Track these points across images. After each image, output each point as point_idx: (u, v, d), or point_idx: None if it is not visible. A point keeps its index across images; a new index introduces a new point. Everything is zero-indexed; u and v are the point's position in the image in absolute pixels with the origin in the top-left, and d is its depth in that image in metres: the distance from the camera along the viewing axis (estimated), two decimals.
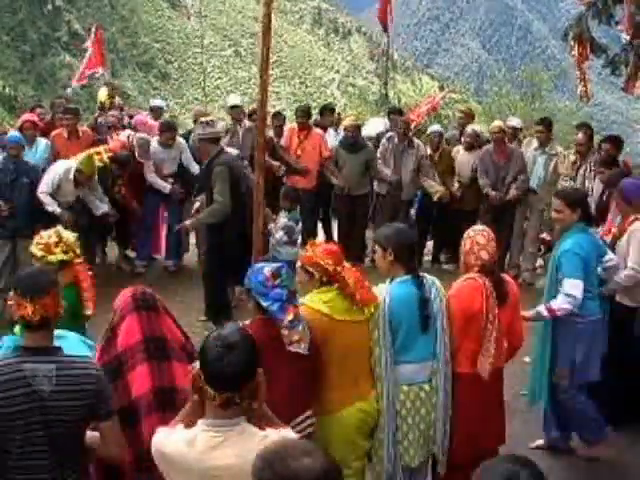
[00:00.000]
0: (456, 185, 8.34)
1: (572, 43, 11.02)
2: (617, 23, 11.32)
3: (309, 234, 8.88)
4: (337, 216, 8.99)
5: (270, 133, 8.41)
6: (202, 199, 6.70)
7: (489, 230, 4.09)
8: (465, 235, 4.03)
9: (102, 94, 9.63)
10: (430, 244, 9.11)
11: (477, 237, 3.97)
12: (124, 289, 3.08)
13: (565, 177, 7.66)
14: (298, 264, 3.70)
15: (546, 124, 8.10)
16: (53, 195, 7.05)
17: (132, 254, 8.53)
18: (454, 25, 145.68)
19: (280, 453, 1.80)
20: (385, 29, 13.87)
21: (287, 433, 2.44)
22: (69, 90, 14.57)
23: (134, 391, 2.91)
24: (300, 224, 6.69)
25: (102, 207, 7.45)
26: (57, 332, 2.92)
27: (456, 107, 12.41)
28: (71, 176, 7.09)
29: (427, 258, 8.96)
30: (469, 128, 8.73)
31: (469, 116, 9.18)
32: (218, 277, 6.58)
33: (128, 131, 8.11)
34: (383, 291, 3.70)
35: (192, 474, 2.31)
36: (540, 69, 22.97)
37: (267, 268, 3.27)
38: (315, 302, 3.53)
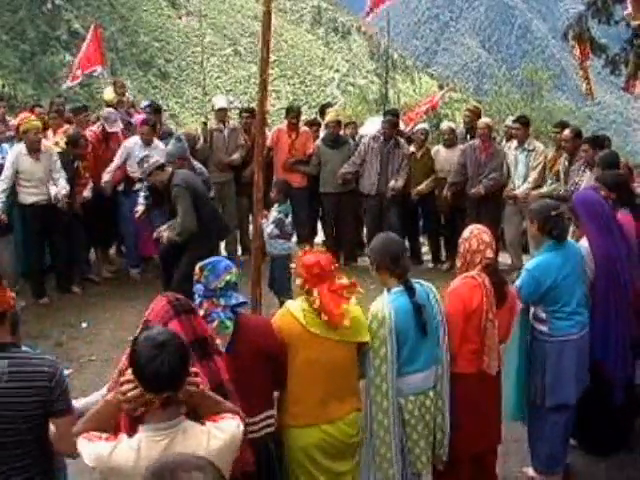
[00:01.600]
0: (446, 186, 8.29)
1: (572, 43, 11.02)
2: (617, 22, 11.35)
3: (304, 231, 8.90)
4: (322, 215, 8.97)
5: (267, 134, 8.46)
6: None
7: (487, 229, 4.09)
8: (468, 234, 3.94)
9: (108, 93, 9.58)
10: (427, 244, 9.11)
11: (483, 235, 3.91)
12: (155, 299, 2.99)
13: (536, 172, 7.71)
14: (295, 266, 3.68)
15: (522, 121, 8.15)
16: (14, 187, 7.02)
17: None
18: (454, 24, 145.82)
19: (171, 466, 1.80)
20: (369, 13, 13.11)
21: (228, 424, 2.45)
22: (63, 87, 14.51)
23: None
24: (290, 217, 6.65)
25: (61, 187, 7.13)
26: None
27: (456, 107, 12.42)
28: (24, 150, 7.00)
29: (427, 258, 8.96)
30: (444, 125, 8.76)
31: (475, 114, 9.18)
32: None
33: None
34: (384, 305, 3.59)
35: None
36: (540, 68, 22.95)
37: (201, 263, 3.32)
38: (295, 307, 3.45)
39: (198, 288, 3.26)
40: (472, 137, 8.66)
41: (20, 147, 7.05)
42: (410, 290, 3.64)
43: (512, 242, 8.14)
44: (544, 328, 4.28)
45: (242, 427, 2.49)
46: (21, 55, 72.52)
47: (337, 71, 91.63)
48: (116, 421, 2.60)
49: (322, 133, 9.02)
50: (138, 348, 2.33)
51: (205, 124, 8.73)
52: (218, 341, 3.15)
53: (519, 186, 7.89)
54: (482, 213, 7.89)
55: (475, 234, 3.92)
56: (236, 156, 8.33)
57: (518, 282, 4.23)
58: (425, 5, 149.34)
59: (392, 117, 8.51)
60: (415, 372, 3.64)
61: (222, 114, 8.53)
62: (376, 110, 14.59)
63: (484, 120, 8.35)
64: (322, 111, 9.71)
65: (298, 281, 3.48)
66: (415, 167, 8.42)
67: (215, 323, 3.21)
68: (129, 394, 2.37)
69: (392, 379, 3.54)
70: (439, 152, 8.47)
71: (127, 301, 7.23)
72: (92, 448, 2.37)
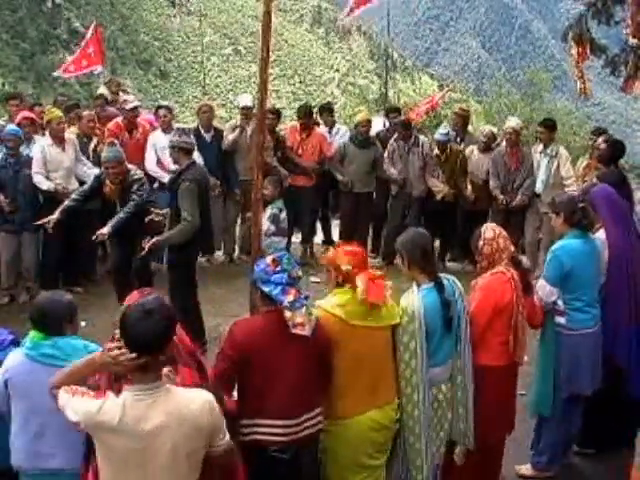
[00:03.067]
0: (469, 188, 8.28)
1: (572, 43, 11.02)
2: (617, 23, 11.34)
3: (309, 232, 8.91)
4: (341, 214, 8.99)
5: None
6: (166, 212, 6.34)
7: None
8: (492, 235, 4.00)
9: (102, 91, 9.62)
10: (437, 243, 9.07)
11: (503, 232, 4.06)
12: (132, 293, 3.08)
13: (571, 180, 7.66)
14: (323, 262, 3.67)
15: (547, 125, 8.05)
16: (47, 176, 7.06)
17: None
18: (454, 24, 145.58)
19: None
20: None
21: (200, 394, 2.63)
22: (55, 74, 14.42)
23: None
24: (284, 213, 6.64)
25: (94, 171, 7.11)
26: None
27: (455, 107, 12.38)
28: (49, 141, 7.08)
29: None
30: (486, 128, 8.68)
31: (462, 117, 9.15)
32: (192, 306, 6.20)
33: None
34: (415, 301, 3.66)
35: (131, 436, 2.46)
36: (540, 69, 22.95)
37: (269, 257, 3.35)
38: (330, 305, 3.49)
39: (279, 277, 3.26)
40: (462, 140, 8.68)
41: (45, 139, 7.13)
42: (440, 286, 3.73)
43: (531, 242, 8.16)
44: (562, 320, 4.37)
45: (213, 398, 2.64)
46: (21, 54, 72.35)
47: (337, 71, 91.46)
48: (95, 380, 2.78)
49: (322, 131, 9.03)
50: (128, 312, 2.51)
51: (246, 116, 8.58)
52: (307, 327, 3.23)
53: (539, 188, 7.81)
54: (509, 218, 7.91)
55: (498, 233, 4.05)
56: (270, 159, 8.23)
57: (545, 267, 4.37)
58: (425, 5, 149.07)
59: (403, 119, 8.53)
60: (434, 366, 3.72)
61: (247, 112, 8.43)
62: (376, 110, 14.57)
63: (511, 124, 8.16)
64: (321, 111, 9.71)
65: (332, 274, 3.52)
66: (442, 168, 8.38)
67: (303, 310, 3.26)
68: (120, 358, 2.50)
69: (422, 371, 3.63)
70: (473, 154, 8.40)
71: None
72: (80, 403, 2.51)
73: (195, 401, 2.57)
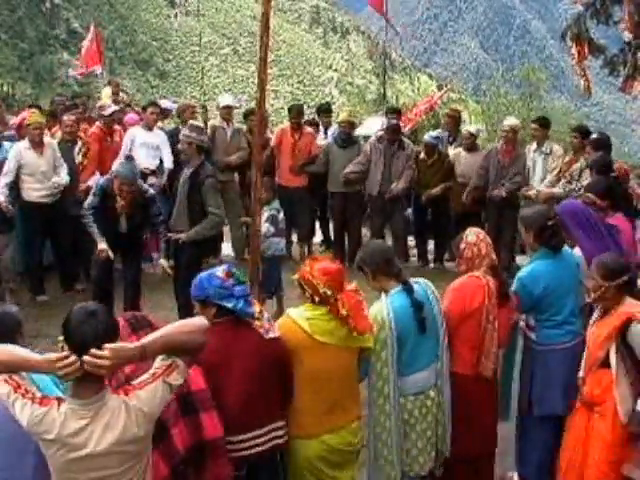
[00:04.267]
0: (467, 190, 8.23)
1: (570, 43, 11.03)
2: (616, 23, 11.35)
3: (305, 232, 8.91)
4: (333, 214, 9.00)
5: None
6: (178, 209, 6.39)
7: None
8: (474, 239, 3.96)
9: (106, 94, 9.62)
10: (431, 244, 9.07)
11: (487, 239, 4.00)
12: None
13: (551, 176, 7.68)
14: (295, 276, 3.50)
15: (541, 122, 8.07)
16: (17, 184, 7.04)
17: None
18: (452, 24, 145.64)
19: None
20: (384, 18, 13.16)
21: (146, 390, 2.54)
22: (70, 73, 14.41)
23: None
24: (282, 213, 6.65)
25: (60, 178, 7.17)
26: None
27: (447, 109, 12.40)
28: (27, 144, 7.05)
29: (430, 257, 8.94)
30: (465, 130, 8.70)
31: (453, 117, 9.16)
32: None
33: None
34: (383, 308, 3.60)
35: (71, 449, 2.45)
36: (538, 69, 22.92)
37: (218, 272, 3.21)
38: (299, 316, 3.39)
39: (241, 289, 3.21)
40: (454, 141, 8.69)
41: (23, 142, 7.12)
42: (409, 288, 3.66)
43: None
44: (533, 336, 4.28)
45: (163, 383, 2.56)
46: (20, 54, 72.31)
47: (336, 71, 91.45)
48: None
49: (321, 133, 9.04)
50: (70, 314, 2.50)
51: (204, 107, 8.56)
52: (275, 330, 3.23)
53: (534, 188, 7.81)
54: (502, 218, 7.89)
55: (482, 238, 3.98)
56: (234, 157, 8.27)
57: (513, 288, 4.20)
58: (424, 5, 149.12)
59: (394, 122, 8.52)
60: (416, 371, 3.66)
61: (226, 112, 8.43)
62: (375, 110, 14.56)
63: (508, 123, 8.18)
64: (319, 111, 9.72)
65: (307, 293, 3.40)
66: (427, 172, 8.37)
67: (267, 315, 3.32)
68: (59, 363, 2.44)
69: (394, 381, 3.55)
70: (460, 156, 8.38)
71: None
72: (24, 409, 2.45)
73: (136, 406, 2.52)
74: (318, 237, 9.50)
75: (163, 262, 6.31)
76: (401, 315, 3.59)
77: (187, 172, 6.23)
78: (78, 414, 2.45)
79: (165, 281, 7.60)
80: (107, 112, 7.93)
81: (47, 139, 7.28)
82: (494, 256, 3.97)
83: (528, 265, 4.32)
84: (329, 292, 3.34)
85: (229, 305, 3.14)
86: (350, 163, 8.35)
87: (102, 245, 6.12)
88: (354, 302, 3.40)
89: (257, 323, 3.20)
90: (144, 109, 8.59)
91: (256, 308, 3.22)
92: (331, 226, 9.30)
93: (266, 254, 6.37)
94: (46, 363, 2.47)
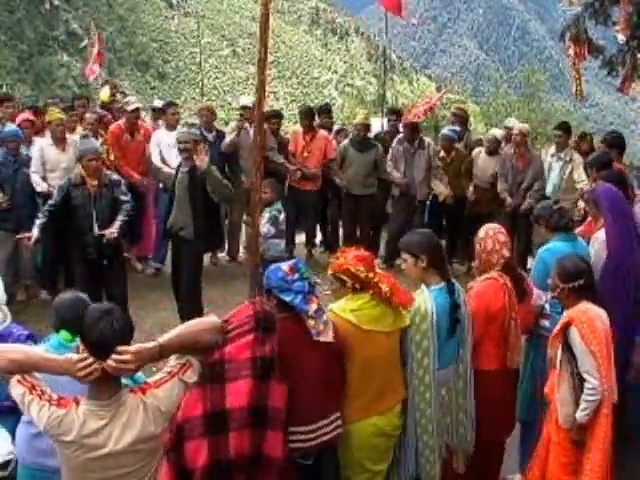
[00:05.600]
0: (471, 189, 8.23)
1: (569, 44, 11.04)
2: (614, 24, 11.36)
3: (310, 235, 8.91)
4: (342, 217, 8.93)
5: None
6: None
7: (502, 228, 4.14)
8: (483, 235, 4.01)
9: (105, 93, 9.62)
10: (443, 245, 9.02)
11: (498, 235, 4.00)
12: (244, 304, 3.04)
13: (584, 184, 7.60)
14: (329, 272, 3.52)
15: (564, 128, 7.94)
16: (44, 178, 7.04)
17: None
18: (451, 26, 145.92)
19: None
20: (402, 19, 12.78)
21: (164, 388, 2.58)
22: (90, 79, 14.33)
23: (229, 402, 2.90)
24: (283, 215, 6.64)
25: None
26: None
27: (453, 107, 12.40)
28: (49, 141, 7.07)
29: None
30: (490, 133, 8.59)
31: (459, 116, 9.12)
32: (198, 295, 6.40)
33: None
34: (427, 300, 3.63)
35: (89, 450, 2.48)
36: (537, 70, 22.99)
37: (284, 265, 3.25)
38: (342, 310, 3.41)
39: (300, 285, 3.20)
40: (461, 139, 8.65)
41: (45, 138, 7.16)
42: (451, 287, 3.71)
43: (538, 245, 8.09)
44: (546, 323, 4.31)
45: (181, 380, 2.61)
46: (19, 55, 72.45)
47: (335, 72, 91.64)
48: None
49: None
50: (86, 314, 2.51)
51: (242, 116, 8.48)
52: (330, 333, 3.21)
53: (550, 192, 7.73)
54: (516, 222, 7.87)
55: (490, 235, 4.00)
56: (281, 160, 8.12)
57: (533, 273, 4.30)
58: (423, 7, 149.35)
59: (411, 122, 8.47)
60: (439, 368, 3.68)
61: (246, 113, 8.36)
62: (374, 111, 14.59)
63: (518, 126, 8.11)
64: (320, 113, 9.70)
65: (348, 282, 3.42)
66: (446, 170, 8.35)
67: (325, 316, 3.24)
68: (79, 364, 2.45)
69: (434, 371, 3.60)
70: (479, 157, 8.30)
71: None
72: (41, 411, 2.46)
73: (153, 404, 2.56)
74: (318, 238, 9.49)
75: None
76: (441, 311, 3.64)
77: (186, 169, 6.25)
78: (97, 415, 2.47)
79: (161, 282, 7.63)
80: (130, 108, 7.92)
81: (69, 136, 7.32)
82: (507, 253, 3.98)
83: (549, 244, 4.40)
84: (371, 274, 3.40)
85: (287, 299, 3.17)
86: (368, 166, 8.34)
87: (35, 232, 5.92)
88: (390, 280, 3.45)
89: (310, 322, 3.19)
90: (160, 110, 8.59)
91: (313, 307, 3.20)
92: (330, 227, 9.29)
93: (266, 255, 6.36)
94: (66, 364, 2.47)
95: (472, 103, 23.38)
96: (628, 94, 11.70)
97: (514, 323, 3.90)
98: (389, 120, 9.27)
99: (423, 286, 3.71)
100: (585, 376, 3.54)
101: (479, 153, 8.31)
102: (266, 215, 6.34)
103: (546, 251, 4.31)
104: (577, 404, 3.58)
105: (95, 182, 5.94)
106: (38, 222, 5.95)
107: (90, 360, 2.44)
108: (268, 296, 3.30)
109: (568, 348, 3.63)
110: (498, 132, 8.52)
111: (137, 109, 7.89)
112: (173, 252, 6.51)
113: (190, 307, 6.19)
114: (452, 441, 3.87)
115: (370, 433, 3.47)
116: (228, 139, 8.08)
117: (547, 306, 4.32)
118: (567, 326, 3.62)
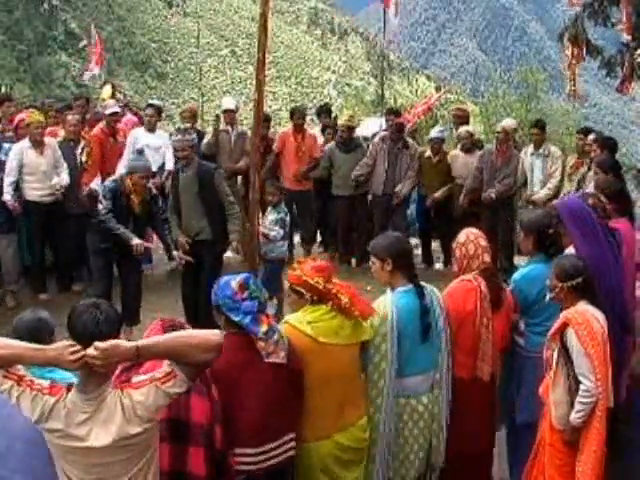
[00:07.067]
0: (462, 197, 8.19)
1: (567, 44, 11.04)
2: (613, 25, 11.37)
3: (309, 235, 8.91)
4: (336, 218, 8.94)
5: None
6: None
7: (482, 232, 4.05)
8: (464, 239, 3.92)
9: (106, 92, 9.62)
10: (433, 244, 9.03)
11: (480, 240, 3.92)
12: (152, 323, 2.99)
13: (555, 180, 7.65)
14: (285, 284, 3.44)
15: (540, 126, 8.08)
16: (18, 181, 7.02)
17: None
18: (450, 26, 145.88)
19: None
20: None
21: (146, 389, 2.52)
22: (86, 76, 14.26)
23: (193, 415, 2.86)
24: (288, 217, 6.65)
25: (60, 179, 7.18)
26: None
27: (452, 108, 12.41)
28: (28, 144, 7.02)
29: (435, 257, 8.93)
30: (462, 130, 8.69)
31: (461, 117, 9.14)
32: None
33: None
34: (387, 303, 3.55)
35: (76, 440, 2.47)
36: (536, 70, 22.97)
37: (233, 281, 3.11)
38: (299, 321, 3.30)
39: (249, 305, 3.08)
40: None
41: (24, 142, 7.12)
42: (420, 291, 3.62)
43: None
44: (521, 341, 4.21)
45: (161, 386, 2.54)
46: (18, 55, 72.26)
47: (334, 72, 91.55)
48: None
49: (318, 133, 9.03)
50: (75, 307, 2.53)
51: (217, 117, 8.49)
52: (281, 354, 3.08)
53: (537, 192, 7.80)
54: (496, 219, 7.88)
55: (472, 239, 3.92)
56: (242, 164, 8.16)
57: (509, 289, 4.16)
58: (422, 7, 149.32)
59: (398, 122, 8.50)
60: (410, 375, 3.60)
61: (229, 116, 8.37)
62: (373, 111, 14.61)
63: (502, 124, 8.23)
64: (319, 112, 9.70)
65: (305, 295, 3.35)
66: (431, 172, 8.36)
67: (276, 336, 3.11)
68: (65, 351, 2.42)
69: (390, 377, 3.51)
70: (457, 157, 8.35)
71: None
72: (32, 402, 2.44)
73: (138, 399, 2.52)
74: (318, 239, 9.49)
75: (178, 254, 6.22)
76: (405, 314, 3.54)
77: (189, 174, 6.22)
78: (80, 407, 2.47)
79: (165, 283, 7.61)
80: (108, 111, 7.93)
81: (48, 139, 7.28)
82: (487, 258, 3.88)
83: (524, 268, 4.27)
84: (329, 286, 3.31)
85: (235, 319, 3.07)
86: (353, 167, 8.33)
87: (135, 240, 6.00)
88: (349, 290, 3.37)
89: (261, 344, 3.07)
90: (142, 110, 8.59)
91: (263, 328, 3.07)
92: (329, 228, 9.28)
93: (269, 256, 6.36)
94: (54, 352, 2.42)
95: (470, 103, 23.39)
96: (625, 94, 11.71)
97: (486, 330, 3.77)
98: (388, 120, 9.27)
99: (388, 290, 3.64)
100: (580, 378, 3.48)
101: (456, 154, 8.36)
102: (272, 217, 6.35)
103: (521, 279, 4.17)
104: (572, 406, 3.53)
105: (139, 199, 6.03)
106: (122, 230, 6.01)
107: (79, 347, 2.42)
108: (217, 312, 3.18)
109: (565, 350, 3.56)
110: (469, 127, 8.62)
111: (115, 113, 7.94)
112: (185, 265, 6.34)
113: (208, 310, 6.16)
114: (424, 453, 3.73)
115: (333, 449, 3.36)
116: (205, 140, 8.17)
117: (521, 324, 4.21)
118: (564, 327, 3.56)
